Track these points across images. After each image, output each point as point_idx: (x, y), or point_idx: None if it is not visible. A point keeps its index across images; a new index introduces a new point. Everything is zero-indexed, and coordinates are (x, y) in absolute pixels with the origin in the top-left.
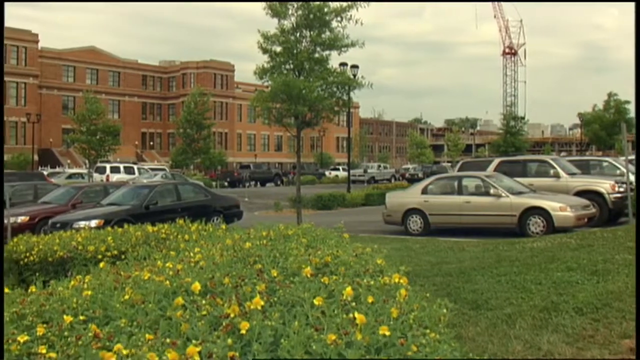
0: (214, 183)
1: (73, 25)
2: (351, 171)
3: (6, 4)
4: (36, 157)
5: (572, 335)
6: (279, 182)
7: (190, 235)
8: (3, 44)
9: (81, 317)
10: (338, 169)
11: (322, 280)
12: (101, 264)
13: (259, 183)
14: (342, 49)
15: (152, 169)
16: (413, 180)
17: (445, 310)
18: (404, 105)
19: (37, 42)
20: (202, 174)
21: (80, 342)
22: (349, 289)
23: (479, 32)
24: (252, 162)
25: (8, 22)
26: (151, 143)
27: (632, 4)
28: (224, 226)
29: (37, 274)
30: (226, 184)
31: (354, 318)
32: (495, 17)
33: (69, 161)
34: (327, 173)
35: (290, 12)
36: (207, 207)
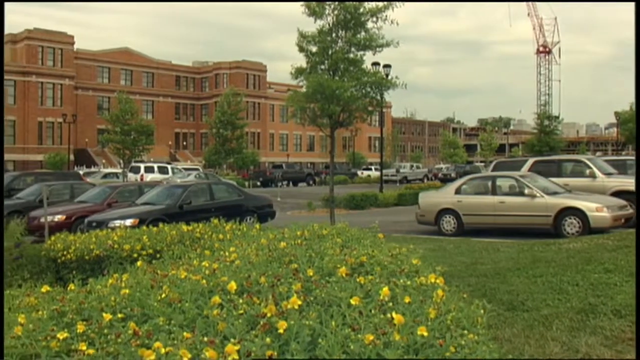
0: (246, 183)
1: (107, 27)
2: (384, 171)
3: (42, 5)
4: (72, 157)
5: (610, 337)
6: (311, 182)
7: (224, 235)
8: (3, 44)
9: (120, 315)
10: (370, 169)
11: (358, 280)
12: (138, 263)
13: (291, 183)
14: (377, 49)
15: (186, 169)
16: (446, 180)
17: (482, 311)
18: (437, 105)
19: (72, 43)
20: (235, 174)
21: (119, 340)
22: (385, 289)
23: (512, 31)
24: (285, 162)
25: (44, 24)
26: (184, 143)
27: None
28: (258, 226)
29: (74, 272)
30: (259, 183)
31: (392, 318)
32: (529, 15)
33: (104, 161)
34: (359, 173)
35: (327, 12)
36: (241, 206)
